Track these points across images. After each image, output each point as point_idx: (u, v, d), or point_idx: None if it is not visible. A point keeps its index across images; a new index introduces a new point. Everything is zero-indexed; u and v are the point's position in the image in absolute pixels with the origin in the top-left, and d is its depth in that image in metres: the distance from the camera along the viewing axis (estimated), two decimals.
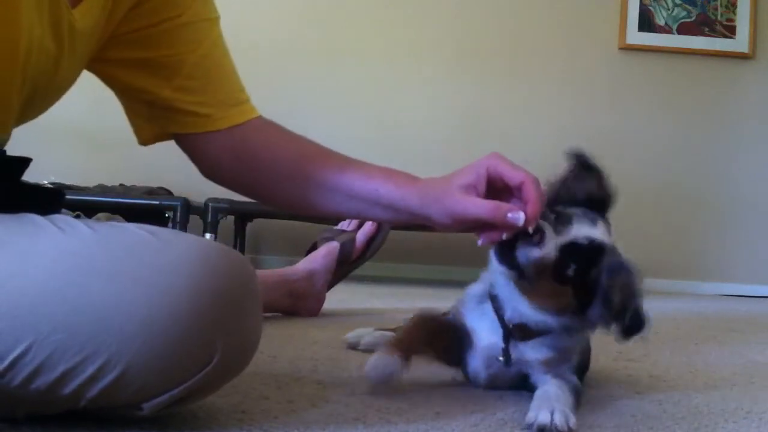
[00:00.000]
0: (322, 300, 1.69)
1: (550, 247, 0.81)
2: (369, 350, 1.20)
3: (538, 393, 0.83)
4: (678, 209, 3.58)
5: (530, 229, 0.80)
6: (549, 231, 0.82)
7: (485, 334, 0.91)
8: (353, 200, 0.90)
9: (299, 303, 1.64)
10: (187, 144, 0.93)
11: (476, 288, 0.96)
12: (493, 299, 0.91)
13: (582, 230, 0.82)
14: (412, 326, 0.93)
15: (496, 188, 0.83)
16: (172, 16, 0.86)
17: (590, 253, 0.82)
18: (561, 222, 0.83)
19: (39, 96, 0.78)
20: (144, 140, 0.94)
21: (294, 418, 0.75)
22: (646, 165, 3.57)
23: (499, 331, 0.90)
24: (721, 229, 3.60)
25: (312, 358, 1.11)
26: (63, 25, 0.73)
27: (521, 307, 0.87)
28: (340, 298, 1.86)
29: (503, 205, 0.78)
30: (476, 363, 0.93)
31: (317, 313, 1.68)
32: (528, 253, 0.81)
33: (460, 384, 0.96)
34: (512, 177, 0.81)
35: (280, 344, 1.21)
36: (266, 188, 0.96)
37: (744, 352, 1.47)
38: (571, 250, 0.81)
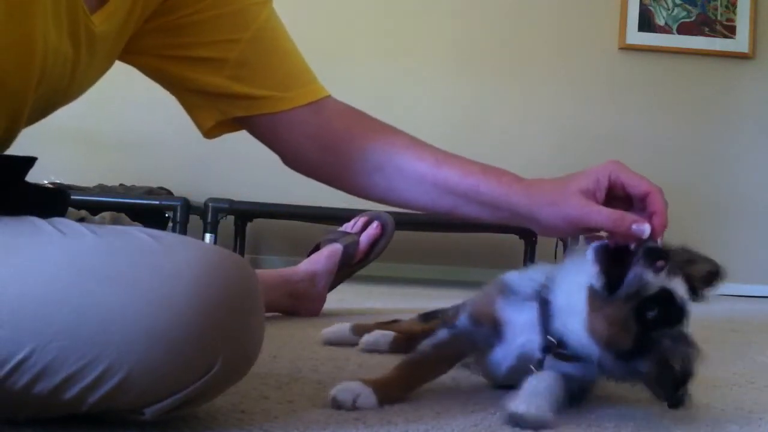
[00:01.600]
0: (322, 301, 1.69)
1: (658, 280, 0.75)
2: (368, 350, 1.20)
3: (528, 384, 0.82)
4: (677, 209, 3.56)
5: (653, 242, 0.75)
6: (670, 264, 0.76)
7: (520, 330, 0.86)
8: (450, 195, 0.86)
9: (300, 304, 1.64)
10: (256, 130, 0.89)
11: (522, 282, 0.89)
12: (544, 303, 0.84)
13: (682, 290, 0.78)
14: (397, 373, 0.86)
15: (615, 196, 0.80)
16: (210, 5, 0.83)
17: (676, 313, 0.76)
18: (673, 266, 0.77)
19: (56, 99, 0.77)
20: (207, 131, 0.90)
21: (294, 418, 0.75)
22: (645, 165, 3.54)
23: (535, 331, 0.84)
24: (721, 229, 3.60)
25: (312, 358, 1.11)
26: (80, 30, 0.71)
27: (574, 323, 0.80)
28: (339, 297, 1.87)
29: (627, 215, 0.74)
30: (502, 357, 0.89)
31: (318, 313, 1.68)
32: (641, 275, 0.74)
33: (460, 384, 0.96)
34: (636, 186, 0.77)
35: (280, 344, 1.21)
36: (354, 179, 0.92)
37: (745, 352, 1.47)
38: (666, 298, 0.76)
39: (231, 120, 0.90)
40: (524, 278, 0.90)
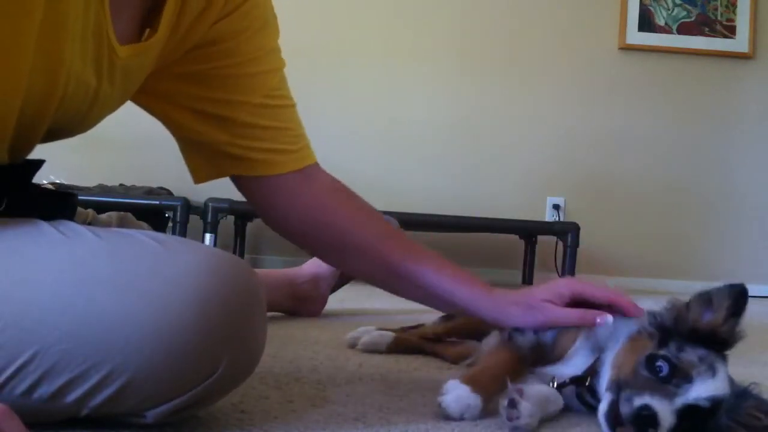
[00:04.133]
0: (324, 302, 1.69)
1: (666, 419, 0.73)
2: (367, 350, 1.20)
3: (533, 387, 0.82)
4: (677, 209, 3.58)
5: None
6: (663, 410, 0.73)
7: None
8: (428, 297, 0.94)
9: (302, 305, 1.64)
10: (245, 189, 0.93)
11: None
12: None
13: (704, 388, 0.76)
14: (494, 364, 0.85)
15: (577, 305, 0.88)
16: (233, 63, 0.84)
17: (710, 412, 0.75)
18: (679, 378, 0.76)
19: (70, 126, 0.76)
20: (197, 180, 0.93)
21: (294, 418, 0.75)
22: (646, 165, 3.57)
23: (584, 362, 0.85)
24: (721, 229, 3.60)
25: (312, 358, 1.11)
26: (104, 60, 0.71)
27: None
28: (340, 298, 1.86)
29: (590, 312, 0.83)
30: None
31: (318, 314, 1.68)
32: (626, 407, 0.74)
33: None
34: (599, 296, 0.85)
35: (280, 344, 1.21)
36: (335, 256, 1.01)
37: (744, 352, 1.47)
38: (692, 413, 0.74)
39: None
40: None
